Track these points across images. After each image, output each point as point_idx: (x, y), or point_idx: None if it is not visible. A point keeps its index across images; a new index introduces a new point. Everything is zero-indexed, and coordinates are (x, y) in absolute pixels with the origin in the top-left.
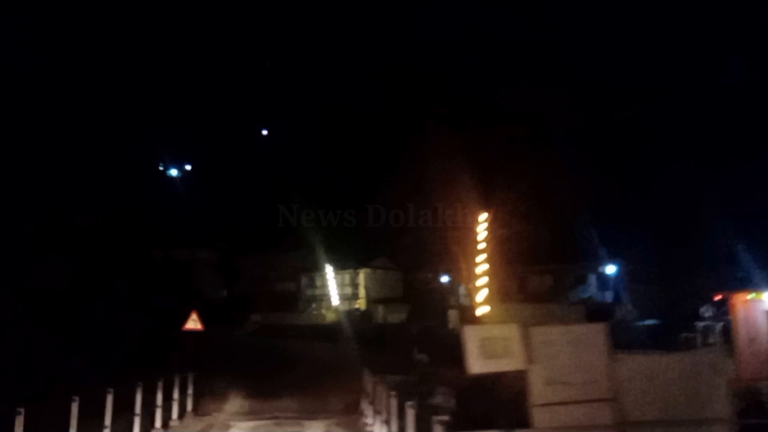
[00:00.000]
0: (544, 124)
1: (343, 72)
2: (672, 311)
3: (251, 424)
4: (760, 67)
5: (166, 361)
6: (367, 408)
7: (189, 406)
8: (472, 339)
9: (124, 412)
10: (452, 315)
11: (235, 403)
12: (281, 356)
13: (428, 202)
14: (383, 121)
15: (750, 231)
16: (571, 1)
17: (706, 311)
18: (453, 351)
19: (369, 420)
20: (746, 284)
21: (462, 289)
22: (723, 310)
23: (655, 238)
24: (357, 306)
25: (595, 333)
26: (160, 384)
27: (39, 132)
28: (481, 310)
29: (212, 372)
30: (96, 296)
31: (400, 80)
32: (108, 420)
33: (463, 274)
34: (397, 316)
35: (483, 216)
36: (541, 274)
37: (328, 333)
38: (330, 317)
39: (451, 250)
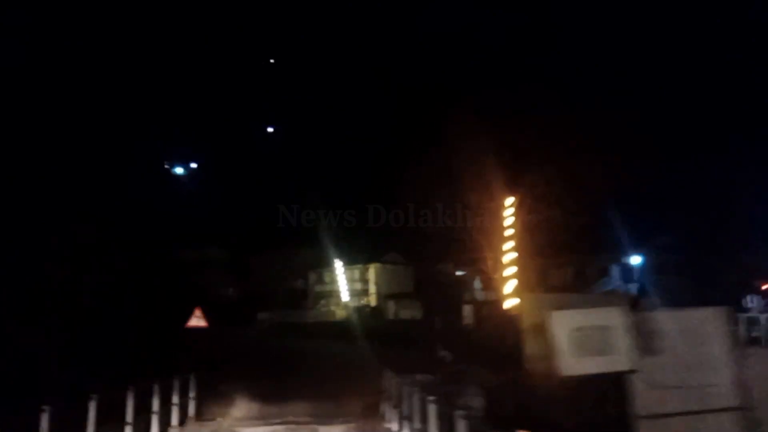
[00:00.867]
0: (571, 105)
1: (357, 62)
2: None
3: (261, 430)
4: None
5: (170, 362)
6: (389, 411)
7: (191, 411)
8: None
9: (115, 420)
10: (467, 310)
11: (242, 406)
12: (292, 355)
13: (449, 189)
14: (400, 108)
15: None
16: None
17: (751, 302)
18: (475, 347)
19: (393, 426)
20: None
21: (477, 283)
22: None
23: (682, 227)
24: (367, 302)
25: (714, 319)
26: (156, 387)
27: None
28: (510, 303)
29: (218, 373)
30: (95, 296)
31: (418, 67)
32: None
33: (485, 265)
34: (409, 312)
35: (509, 200)
36: (562, 265)
37: (340, 330)
38: (340, 314)
39: (473, 239)
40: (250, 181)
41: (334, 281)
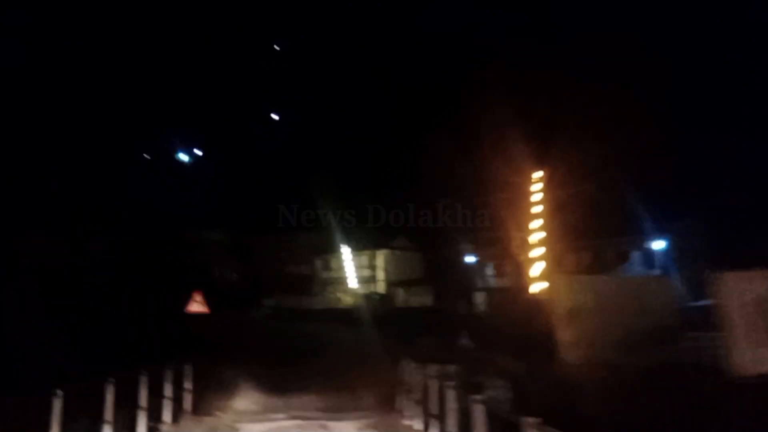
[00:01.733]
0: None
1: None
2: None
3: (264, 426)
4: None
5: (167, 349)
6: (408, 405)
7: (188, 404)
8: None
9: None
10: (480, 297)
11: (245, 399)
12: (299, 343)
13: (470, 166)
14: (418, 80)
15: None
16: None
17: None
18: (495, 335)
19: (416, 424)
20: None
21: (490, 270)
22: None
23: (708, 210)
24: (375, 289)
25: None
26: (143, 378)
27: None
28: (537, 287)
29: (220, 361)
30: (91, 279)
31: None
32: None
33: (509, 246)
34: (418, 300)
35: (537, 174)
36: (579, 250)
37: (348, 318)
38: (347, 301)
39: (496, 219)
40: (255, 168)
41: (341, 267)
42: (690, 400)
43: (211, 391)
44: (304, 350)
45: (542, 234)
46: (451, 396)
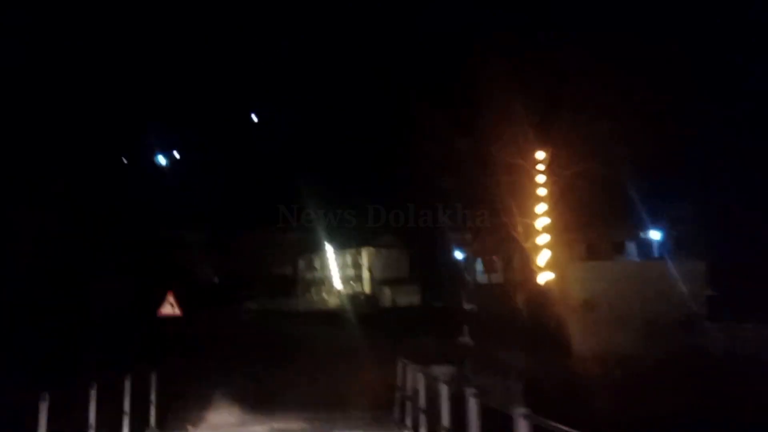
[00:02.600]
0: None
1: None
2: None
3: None
4: None
5: (134, 355)
6: (408, 414)
7: (152, 418)
8: None
9: None
10: (472, 294)
11: (221, 410)
12: (282, 347)
13: (467, 147)
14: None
15: None
16: None
17: None
18: (497, 331)
19: None
20: None
21: (479, 265)
22: None
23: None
24: (361, 289)
25: None
26: (92, 392)
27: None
28: (544, 277)
29: (194, 368)
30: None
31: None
32: None
33: (515, 233)
34: (406, 299)
35: (540, 155)
36: (571, 242)
37: (333, 319)
38: (332, 302)
39: (495, 206)
40: (235, 168)
41: (324, 267)
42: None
43: (182, 401)
44: (287, 355)
45: (547, 220)
46: (473, 405)
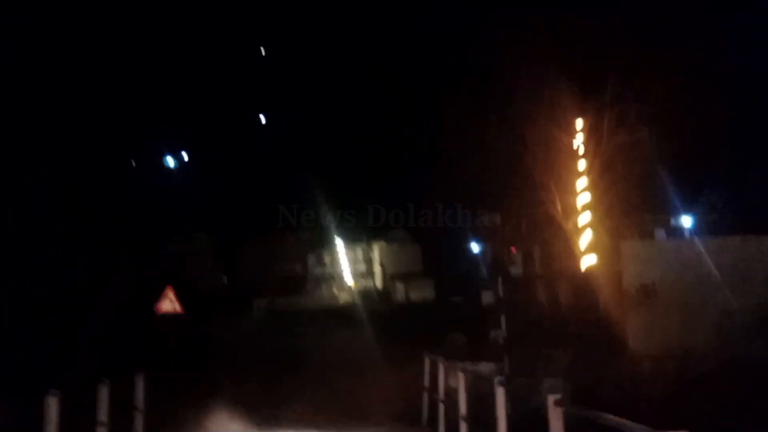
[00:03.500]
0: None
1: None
2: None
3: None
4: None
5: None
6: (441, 425)
7: (139, 427)
8: None
9: None
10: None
11: (222, 421)
12: (291, 346)
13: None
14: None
15: None
16: None
17: None
18: (534, 325)
19: None
20: None
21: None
22: None
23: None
24: (373, 284)
25: None
26: (52, 401)
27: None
28: (587, 261)
29: (195, 372)
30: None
31: None
32: None
33: (554, 210)
34: (420, 294)
35: (578, 123)
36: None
37: (345, 316)
38: (343, 298)
39: (534, 179)
40: (244, 169)
41: (335, 263)
42: None
43: (176, 408)
44: (296, 356)
45: (588, 196)
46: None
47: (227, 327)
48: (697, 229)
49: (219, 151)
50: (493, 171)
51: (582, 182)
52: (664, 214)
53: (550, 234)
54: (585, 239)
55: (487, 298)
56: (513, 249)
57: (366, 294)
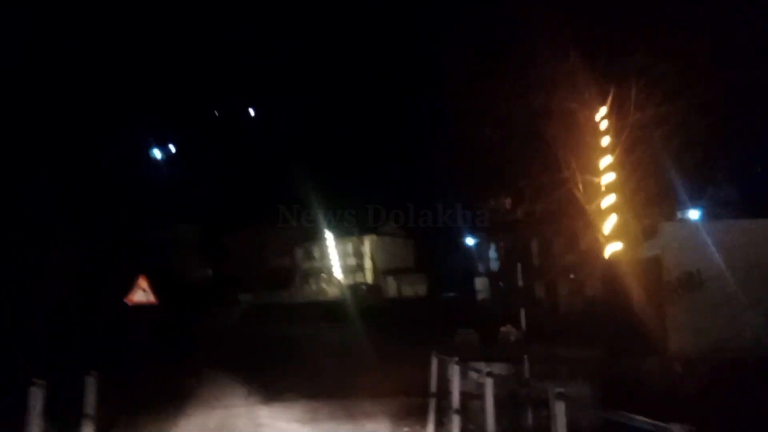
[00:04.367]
0: None
1: None
2: None
3: None
4: None
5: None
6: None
7: None
8: None
9: None
10: (480, 283)
11: (192, 425)
12: (279, 345)
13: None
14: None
15: None
16: None
17: None
18: (551, 321)
19: None
20: None
21: (492, 252)
22: None
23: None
24: (363, 279)
25: None
26: None
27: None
28: (613, 248)
29: (167, 369)
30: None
31: None
32: None
33: (576, 190)
34: (411, 289)
35: (600, 98)
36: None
37: (334, 312)
38: (332, 293)
39: (548, 162)
40: (232, 162)
41: (324, 257)
42: None
43: (134, 414)
44: (285, 352)
45: (613, 176)
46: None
47: (208, 321)
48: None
49: (207, 143)
50: (506, 150)
51: (606, 161)
52: (669, 207)
53: (570, 218)
54: (610, 223)
55: (482, 292)
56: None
57: (356, 289)
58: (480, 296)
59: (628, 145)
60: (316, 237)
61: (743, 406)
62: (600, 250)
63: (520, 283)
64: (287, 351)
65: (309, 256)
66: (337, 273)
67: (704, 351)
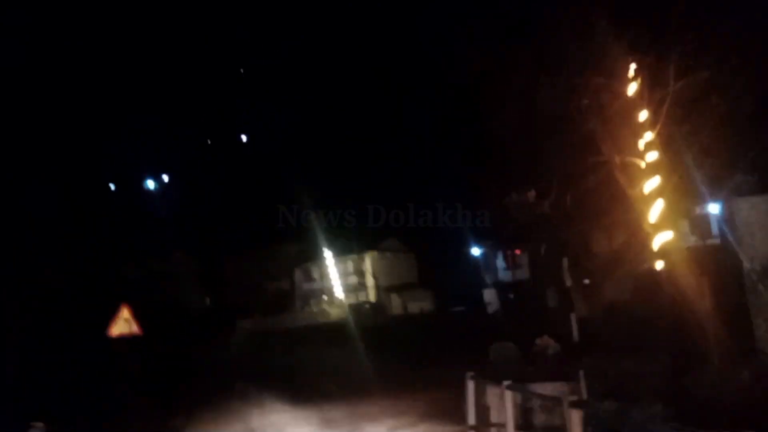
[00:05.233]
0: None
1: None
2: None
3: None
4: None
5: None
6: None
7: None
8: None
9: None
10: (489, 295)
11: None
12: (281, 377)
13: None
14: None
15: None
16: None
17: None
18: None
19: None
20: None
21: (500, 262)
22: None
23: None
24: (366, 298)
25: None
26: None
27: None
28: (661, 239)
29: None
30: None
31: None
32: None
33: (617, 172)
34: (417, 305)
35: (632, 68)
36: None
37: (337, 334)
38: (335, 314)
39: (580, 147)
40: (225, 190)
41: (324, 276)
42: None
43: None
44: (286, 383)
45: (655, 155)
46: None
47: (204, 353)
48: (724, 216)
49: (200, 171)
50: (531, 135)
51: (646, 137)
52: (688, 201)
53: (609, 206)
54: (656, 211)
55: (492, 304)
56: (517, 251)
57: (359, 309)
58: (491, 309)
59: (675, 115)
60: (314, 257)
61: None
62: (646, 241)
63: (569, 282)
64: (289, 381)
65: (308, 277)
66: (339, 293)
67: None
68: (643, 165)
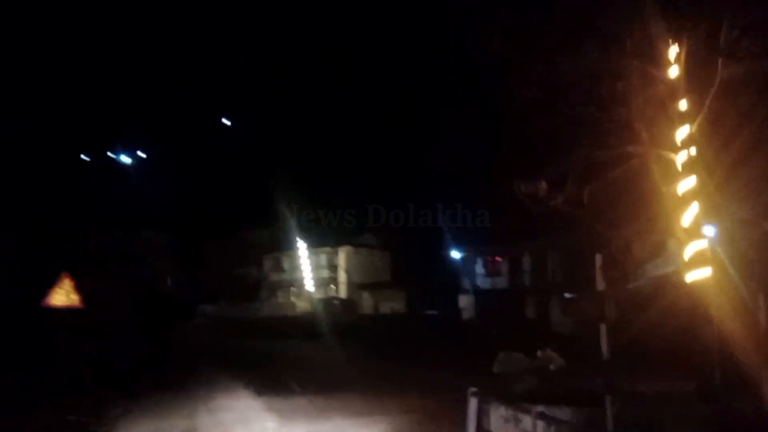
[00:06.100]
0: None
1: None
2: None
3: None
4: None
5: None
6: None
7: None
8: None
9: None
10: (465, 301)
11: None
12: (237, 367)
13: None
14: None
15: None
16: None
17: None
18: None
19: None
20: None
21: (479, 267)
22: None
23: None
24: (336, 293)
25: None
26: None
27: None
28: (694, 247)
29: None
30: None
31: None
32: None
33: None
34: (389, 305)
35: (672, 50)
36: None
37: (303, 328)
38: (302, 307)
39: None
40: (203, 171)
41: (295, 268)
42: None
43: None
44: (244, 376)
45: (693, 151)
46: None
47: (158, 334)
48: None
49: (177, 151)
50: (548, 119)
51: (683, 131)
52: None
53: (637, 205)
54: (690, 214)
55: (467, 310)
56: (498, 258)
57: (328, 304)
58: (465, 315)
59: (718, 109)
60: (286, 246)
61: None
62: (679, 248)
63: (601, 286)
64: (251, 374)
65: (278, 267)
66: (309, 286)
67: None
68: (679, 161)
